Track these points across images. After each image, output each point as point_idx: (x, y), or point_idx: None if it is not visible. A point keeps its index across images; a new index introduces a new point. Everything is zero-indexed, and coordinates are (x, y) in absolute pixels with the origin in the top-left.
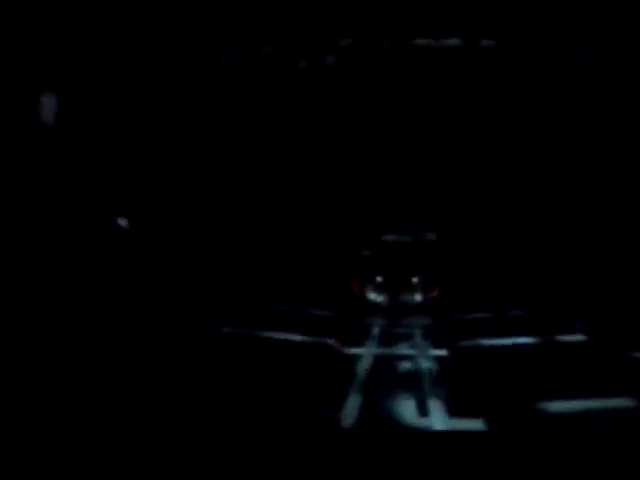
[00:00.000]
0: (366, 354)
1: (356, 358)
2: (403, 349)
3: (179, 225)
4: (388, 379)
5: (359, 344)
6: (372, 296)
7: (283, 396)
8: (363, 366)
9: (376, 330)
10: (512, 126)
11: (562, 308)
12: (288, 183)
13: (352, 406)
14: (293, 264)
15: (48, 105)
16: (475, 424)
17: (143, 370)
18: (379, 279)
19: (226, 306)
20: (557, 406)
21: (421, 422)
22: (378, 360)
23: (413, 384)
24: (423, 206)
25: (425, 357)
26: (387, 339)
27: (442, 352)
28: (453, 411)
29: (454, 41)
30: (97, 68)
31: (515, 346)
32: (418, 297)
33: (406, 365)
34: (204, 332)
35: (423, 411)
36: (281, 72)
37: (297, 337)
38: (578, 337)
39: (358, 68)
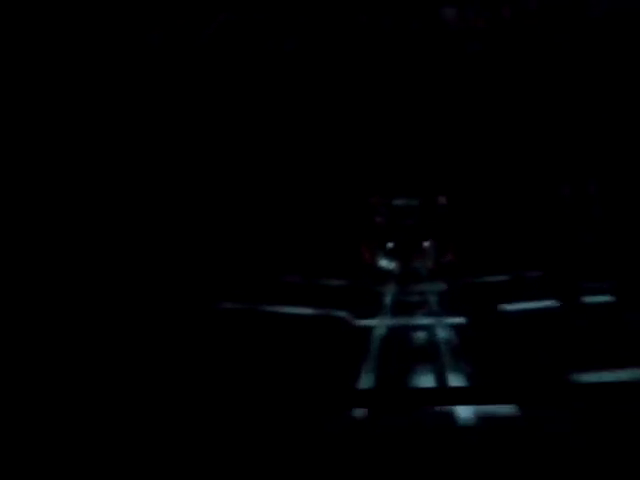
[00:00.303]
0: (379, 325)
1: (369, 330)
2: (418, 318)
3: (180, 192)
4: (403, 352)
5: (371, 315)
6: (384, 263)
7: (292, 375)
8: (376, 339)
9: (389, 299)
10: (523, 84)
11: (584, 267)
12: (296, 149)
13: (365, 384)
14: (301, 234)
15: None
16: (502, 408)
17: (148, 350)
18: (390, 245)
19: (228, 281)
20: (588, 377)
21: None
22: (392, 331)
23: (430, 357)
24: (433, 169)
25: (442, 326)
26: (400, 308)
27: (459, 320)
28: (475, 390)
29: None
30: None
31: (538, 310)
32: (431, 262)
33: (422, 335)
34: (205, 309)
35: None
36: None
37: (306, 310)
38: (605, 298)
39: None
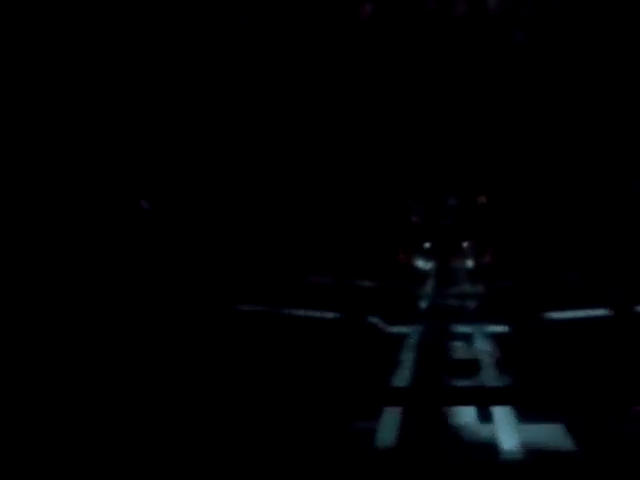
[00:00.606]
0: (413, 333)
1: (401, 338)
2: (455, 325)
3: (202, 191)
4: (438, 366)
5: (405, 321)
6: (420, 263)
7: (318, 386)
8: (409, 349)
9: (424, 303)
10: (572, 76)
11: (635, 272)
12: (332, 143)
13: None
14: (334, 232)
15: None
16: (553, 430)
17: (156, 354)
18: (427, 245)
19: (251, 281)
20: None
21: (481, 427)
22: (426, 340)
23: (469, 373)
24: (472, 167)
25: (482, 335)
26: (437, 313)
27: (501, 328)
28: (523, 411)
29: None
30: None
31: (587, 319)
32: (469, 263)
33: (460, 346)
34: (225, 311)
35: (484, 410)
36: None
37: (332, 314)
38: None
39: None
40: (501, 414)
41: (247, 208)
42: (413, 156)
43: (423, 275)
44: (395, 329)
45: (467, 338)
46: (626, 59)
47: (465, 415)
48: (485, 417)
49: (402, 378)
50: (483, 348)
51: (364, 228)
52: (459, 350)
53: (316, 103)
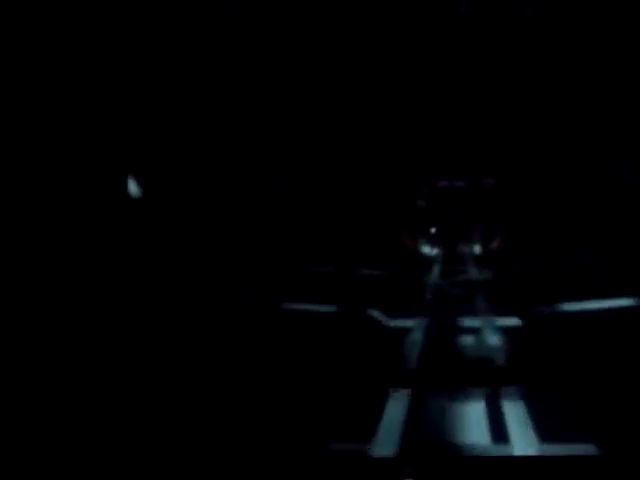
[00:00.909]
0: (416, 327)
1: (403, 333)
2: (463, 318)
3: (198, 177)
4: (444, 366)
5: (408, 313)
6: (426, 249)
7: (312, 387)
8: (411, 346)
9: (430, 292)
10: (581, 54)
11: None
12: (334, 122)
13: (391, 419)
14: (336, 219)
15: None
16: (573, 447)
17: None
18: (434, 230)
19: (248, 272)
20: None
21: (493, 439)
22: (431, 335)
23: (479, 375)
24: (480, 148)
25: (492, 329)
26: (443, 304)
27: (513, 321)
28: (541, 419)
29: None
30: None
31: (609, 311)
32: (477, 249)
33: (468, 342)
34: (218, 305)
35: (496, 418)
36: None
37: (330, 308)
38: None
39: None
40: (519, 433)
41: (244, 194)
42: (418, 137)
43: (429, 261)
44: (397, 323)
45: (475, 333)
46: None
47: (477, 434)
48: (500, 438)
49: (398, 389)
50: (494, 344)
51: (367, 213)
52: (467, 348)
53: (314, 84)
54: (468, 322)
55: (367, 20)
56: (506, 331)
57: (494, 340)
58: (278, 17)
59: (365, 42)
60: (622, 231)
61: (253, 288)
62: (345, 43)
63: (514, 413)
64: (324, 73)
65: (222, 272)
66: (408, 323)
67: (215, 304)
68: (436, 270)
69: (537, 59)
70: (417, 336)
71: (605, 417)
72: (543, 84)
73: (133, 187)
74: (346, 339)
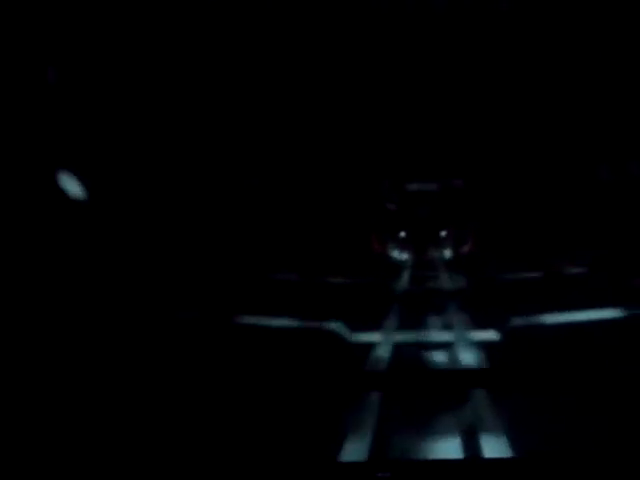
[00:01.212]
0: (382, 342)
1: (367, 350)
2: (434, 332)
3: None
4: (412, 392)
5: (374, 326)
6: (395, 254)
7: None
8: (375, 364)
9: (398, 301)
10: (558, 51)
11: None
12: (297, 125)
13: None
14: (301, 223)
15: None
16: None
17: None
18: (403, 234)
19: (201, 280)
20: None
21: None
22: (398, 352)
23: (454, 403)
24: (450, 149)
25: (466, 344)
26: (412, 315)
27: (489, 334)
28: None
29: None
30: None
31: (597, 323)
32: (448, 253)
33: (440, 359)
34: (165, 319)
35: (471, 440)
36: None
37: (288, 322)
38: None
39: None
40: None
41: (202, 196)
42: (387, 138)
43: (398, 266)
44: (361, 337)
45: (448, 348)
46: (620, 29)
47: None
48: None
49: (358, 422)
50: (468, 362)
51: (335, 216)
52: (438, 367)
53: (279, 87)
54: (440, 336)
55: (332, 18)
56: (481, 346)
57: (468, 357)
58: (253, 13)
59: (329, 42)
60: (602, 235)
61: (199, 300)
62: (312, 45)
63: (492, 446)
64: (290, 76)
65: (159, 280)
66: (374, 337)
67: (146, 320)
68: (405, 277)
69: (511, 56)
70: (382, 353)
71: (590, 437)
72: (517, 82)
73: (72, 187)
74: (301, 359)
